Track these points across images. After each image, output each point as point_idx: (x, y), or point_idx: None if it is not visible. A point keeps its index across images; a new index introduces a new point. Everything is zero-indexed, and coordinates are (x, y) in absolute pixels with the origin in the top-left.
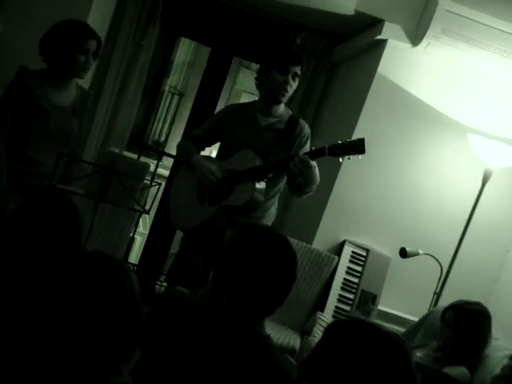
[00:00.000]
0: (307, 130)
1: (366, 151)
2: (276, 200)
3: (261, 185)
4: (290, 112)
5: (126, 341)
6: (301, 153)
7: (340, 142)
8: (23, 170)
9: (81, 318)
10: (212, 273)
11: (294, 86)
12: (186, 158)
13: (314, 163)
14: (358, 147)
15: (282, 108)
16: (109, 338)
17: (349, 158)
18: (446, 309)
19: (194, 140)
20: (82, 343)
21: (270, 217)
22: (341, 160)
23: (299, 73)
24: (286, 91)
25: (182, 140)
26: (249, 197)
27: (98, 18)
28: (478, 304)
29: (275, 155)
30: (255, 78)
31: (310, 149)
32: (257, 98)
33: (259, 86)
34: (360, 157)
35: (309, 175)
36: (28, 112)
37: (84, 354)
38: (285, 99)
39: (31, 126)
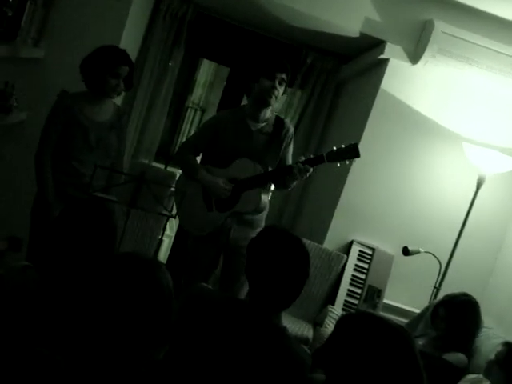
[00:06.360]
0: (292, 130)
1: (361, 155)
2: (269, 194)
3: (265, 189)
4: (275, 114)
5: (163, 333)
6: (287, 151)
7: (335, 148)
8: (69, 181)
9: (125, 311)
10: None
11: (281, 90)
12: (190, 172)
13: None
14: (353, 151)
15: (269, 112)
16: (148, 330)
17: (347, 163)
18: (437, 306)
19: (191, 149)
20: (124, 336)
21: (266, 209)
22: (338, 165)
23: (286, 79)
24: (274, 94)
25: (179, 150)
26: (257, 202)
27: (129, 44)
28: (465, 294)
29: (268, 157)
30: (244, 85)
31: (309, 156)
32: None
33: (248, 93)
34: (356, 160)
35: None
36: (69, 128)
37: (126, 345)
38: (273, 102)
39: (74, 141)
